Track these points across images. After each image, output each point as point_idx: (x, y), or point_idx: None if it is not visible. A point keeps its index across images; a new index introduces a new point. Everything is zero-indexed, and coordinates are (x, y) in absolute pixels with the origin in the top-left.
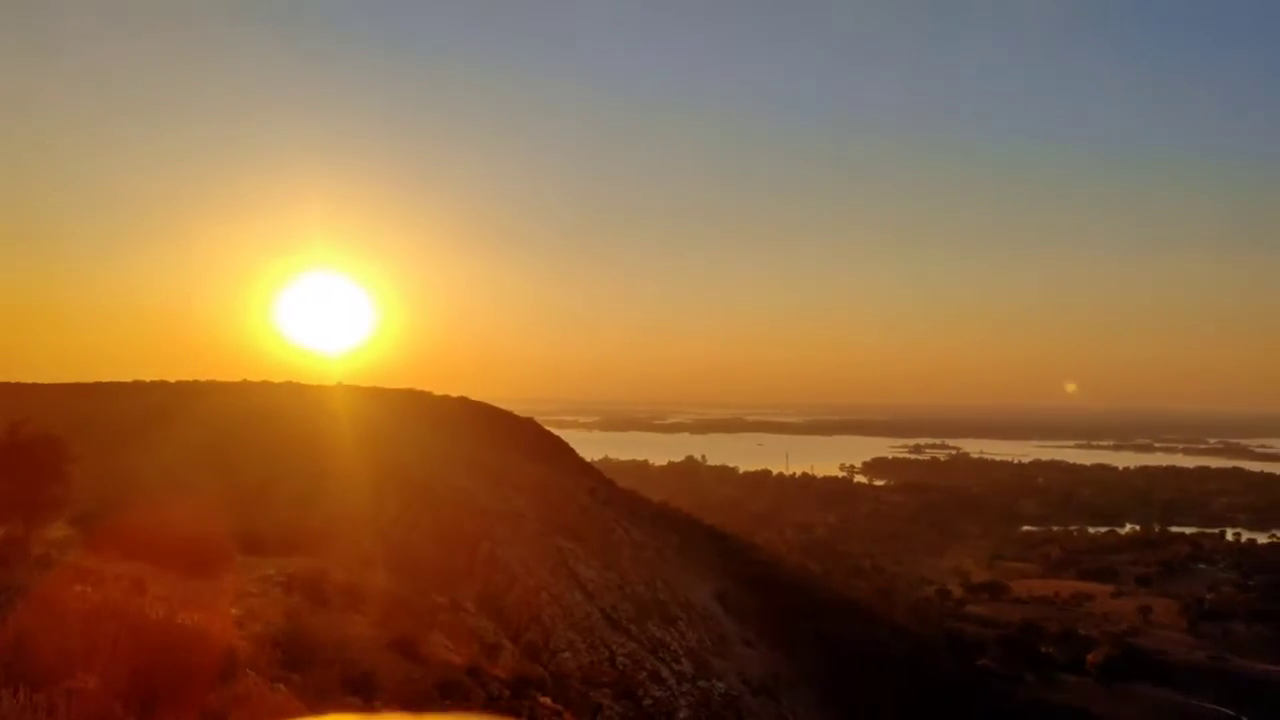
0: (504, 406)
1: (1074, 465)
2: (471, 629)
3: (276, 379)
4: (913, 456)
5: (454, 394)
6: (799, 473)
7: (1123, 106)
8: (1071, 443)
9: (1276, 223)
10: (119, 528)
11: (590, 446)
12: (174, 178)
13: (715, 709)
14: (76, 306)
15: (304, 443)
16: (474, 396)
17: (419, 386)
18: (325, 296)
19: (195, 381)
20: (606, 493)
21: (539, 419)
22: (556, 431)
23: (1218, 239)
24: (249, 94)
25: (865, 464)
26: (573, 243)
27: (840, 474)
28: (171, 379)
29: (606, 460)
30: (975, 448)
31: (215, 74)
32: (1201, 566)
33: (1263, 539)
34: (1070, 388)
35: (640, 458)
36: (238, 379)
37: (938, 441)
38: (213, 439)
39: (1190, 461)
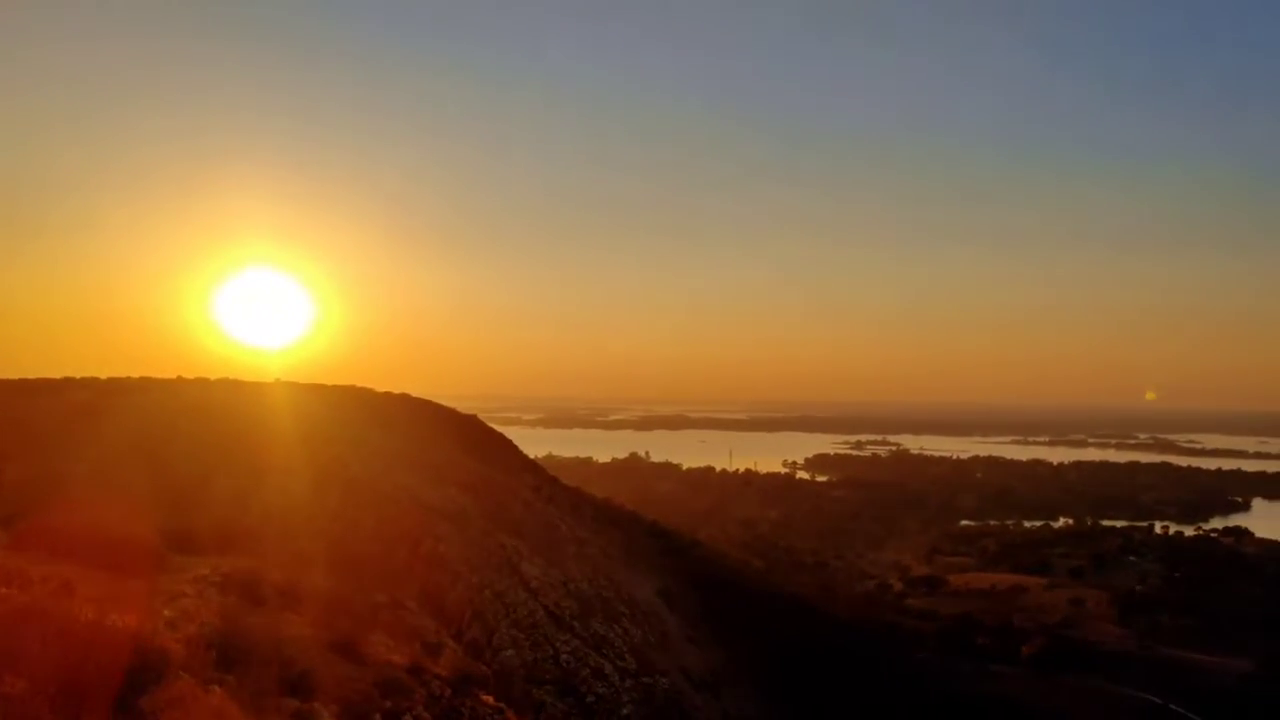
0: (447, 404)
1: (1010, 461)
2: (413, 627)
3: (213, 375)
4: (854, 453)
5: (396, 391)
6: (742, 469)
7: (1042, 103)
8: (1008, 439)
9: (1203, 222)
10: (46, 528)
11: (534, 443)
12: (104, 168)
13: (658, 705)
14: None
15: (241, 440)
16: (416, 393)
17: (360, 383)
18: (264, 291)
19: (127, 378)
20: (550, 490)
21: (482, 416)
22: (500, 429)
23: (1146, 237)
24: (185, 82)
25: (807, 460)
26: (516, 241)
27: (783, 470)
28: (103, 376)
29: (550, 457)
30: (915, 444)
31: (149, 61)
32: (1131, 559)
33: (1189, 531)
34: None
35: (584, 454)
36: (172, 376)
37: (879, 438)
38: (145, 437)
39: (1121, 457)
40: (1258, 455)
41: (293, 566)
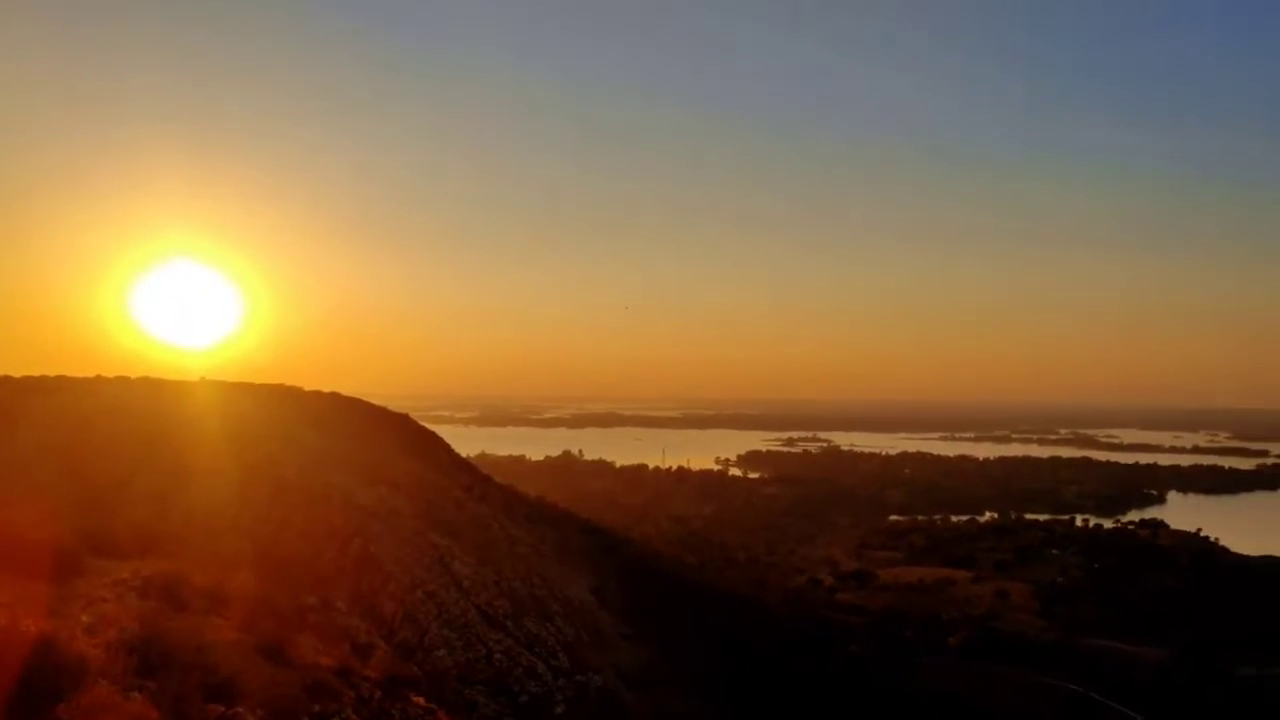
0: (379, 402)
1: (938, 457)
2: (343, 629)
3: (133, 374)
4: (786, 449)
5: (326, 389)
6: (675, 467)
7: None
8: (936, 435)
9: (1120, 222)
10: None
11: (467, 442)
12: (13, 161)
13: (592, 702)
14: None
15: (163, 440)
16: (348, 392)
17: (292, 382)
18: (187, 287)
19: (42, 377)
20: (483, 488)
21: (415, 415)
22: (433, 427)
23: (1067, 238)
24: (98, 70)
25: (740, 457)
26: (449, 238)
27: (716, 467)
28: (16, 374)
29: (483, 455)
30: (846, 440)
31: (56, 47)
32: (1054, 552)
33: (1108, 524)
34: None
35: (518, 453)
36: (90, 374)
37: (810, 435)
38: (60, 437)
39: (1044, 452)
40: (1172, 450)
41: (217, 569)
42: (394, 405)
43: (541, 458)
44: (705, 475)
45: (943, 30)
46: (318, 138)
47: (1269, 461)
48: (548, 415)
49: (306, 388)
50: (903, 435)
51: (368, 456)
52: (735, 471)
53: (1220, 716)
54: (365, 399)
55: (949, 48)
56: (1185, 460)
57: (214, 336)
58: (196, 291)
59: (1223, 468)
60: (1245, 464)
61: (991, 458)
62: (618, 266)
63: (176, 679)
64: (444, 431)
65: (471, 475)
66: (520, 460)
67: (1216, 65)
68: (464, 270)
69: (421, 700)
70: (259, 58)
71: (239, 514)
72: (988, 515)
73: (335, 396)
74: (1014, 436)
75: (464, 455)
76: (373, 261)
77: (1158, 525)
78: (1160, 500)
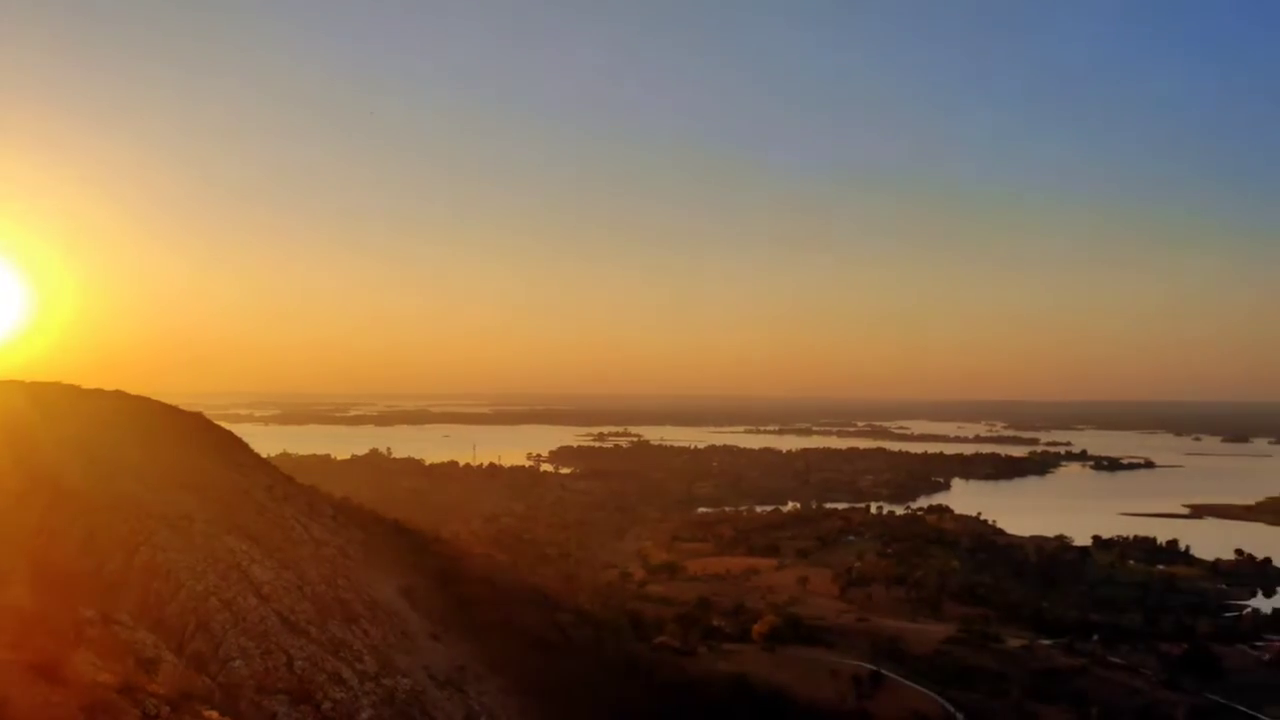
0: (172, 401)
1: (744, 449)
2: (126, 643)
3: None
4: (597, 444)
5: (111, 388)
6: (486, 463)
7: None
8: (742, 428)
9: (911, 226)
10: None
11: (268, 441)
12: None
13: (399, 706)
14: None
15: None
16: (139, 391)
17: (92, 381)
18: None
19: None
20: (285, 489)
21: (211, 413)
22: (230, 426)
23: (867, 240)
24: None
25: (551, 453)
26: (250, 233)
27: (527, 463)
28: None
29: (285, 455)
30: (656, 435)
31: None
32: (850, 538)
33: (900, 511)
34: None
35: (322, 451)
36: None
37: (620, 429)
38: None
39: (842, 443)
40: (957, 439)
41: None
42: (188, 404)
43: (348, 456)
44: (517, 471)
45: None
46: (128, 123)
47: (1039, 449)
48: (354, 413)
49: (97, 387)
50: (711, 429)
51: (158, 459)
52: (547, 467)
53: (993, 683)
54: (157, 398)
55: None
56: (968, 449)
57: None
58: None
59: (1000, 455)
60: (1019, 451)
61: (794, 450)
62: (424, 265)
63: None
64: (242, 431)
65: (272, 476)
66: (325, 459)
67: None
68: (270, 268)
69: (215, 714)
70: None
71: (10, 526)
72: (790, 505)
73: (121, 395)
74: (815, 429)
75: (264, 455)
76: (173, 259)
77: (943, 510)
78: (946, 487)
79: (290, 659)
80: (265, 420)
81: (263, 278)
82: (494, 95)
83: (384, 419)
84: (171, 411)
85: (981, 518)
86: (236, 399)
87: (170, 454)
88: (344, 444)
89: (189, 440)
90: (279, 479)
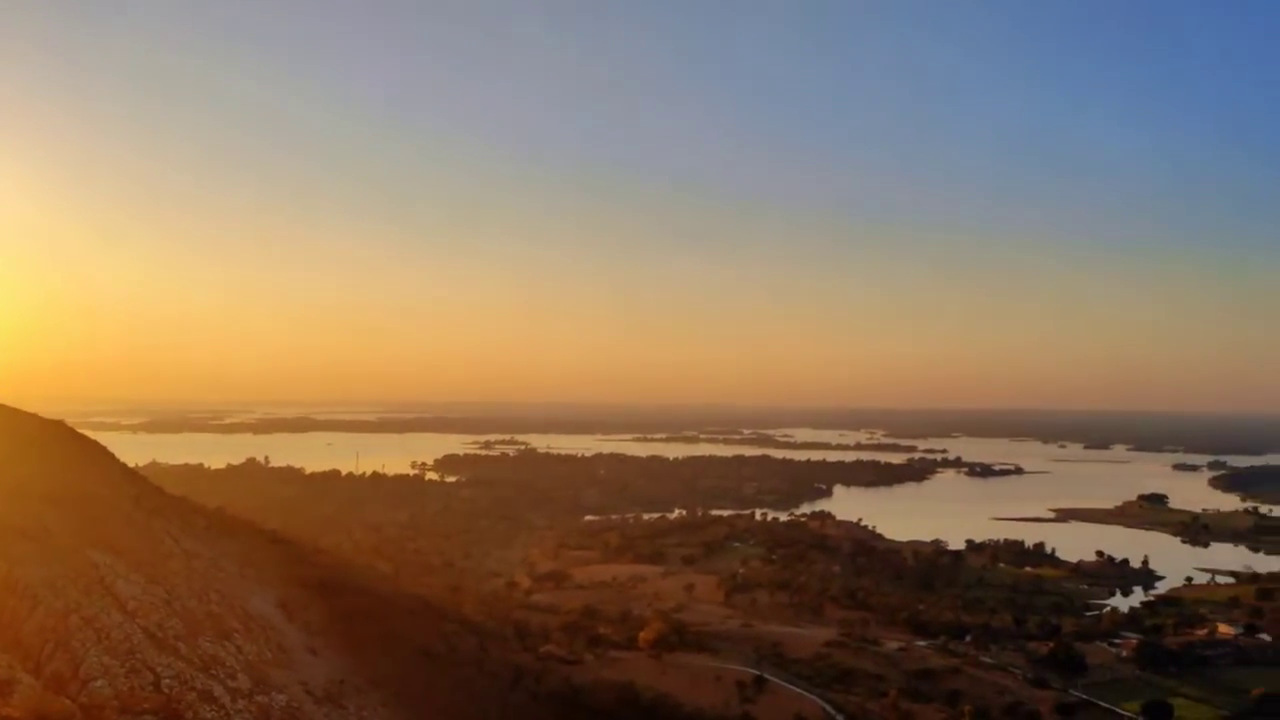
0: (30, 408)
1: (631, 457)
2: None
3: None
4: (483, 452)
5: None
6: (369, 472)
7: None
8: (630, 436)
9: (765, 232)
10: None
11: (136, 450)
12: None
13: None
14: None
15: None
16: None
17: None
18: None
19: None
20: (154, 500)
21: (74, 421)
22: (95, 435)
23: (737, 246)
24: None
25: (437, 461)
26: (123, 235)
27: (412, 471)
28: None
29: (155, 465)
30: (543, 443)
31: None
32: (736, 545)
33: (784, 517)
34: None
35: (195, 461)
36: None
37: (507, 438)
38: None
39: (729, 451)
40: (839, 446)
41: None
42: (50, 412)
43: (223, 465)
44: (401, 480)
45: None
46: None
47: (917, 456)
48: (230, 420)
49: None
50: (598, 437)
51: (14, 469)
52: (432, 475)
53: (871, 684)
54: (13, 405)
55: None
56: (849, 456)
57: None
58: None
59: (880, 462)
60: (898, 458)
61: (681, 457)
62: (308, 265)
63: None
64: (110, 439)
65: (140, 486)
66: (198, 469)
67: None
68: (131, 269)
69: None
70: None
71: None
72: (677, 512)
73: None
74: (702, 437)
75: (132, 465)
76: (35, 257)
77: (826, 516)
78: (828, 493)
79: (158, 677)
80: (134, 428)
81: (132, 280)
82: (379, 110)
83: (263, 426)
84: (30, 419)
85: (862, 523)
86: (103, 406)
87: (28, 464)
88: (219, 453)
89: (49, 450)
90: (148, 490)
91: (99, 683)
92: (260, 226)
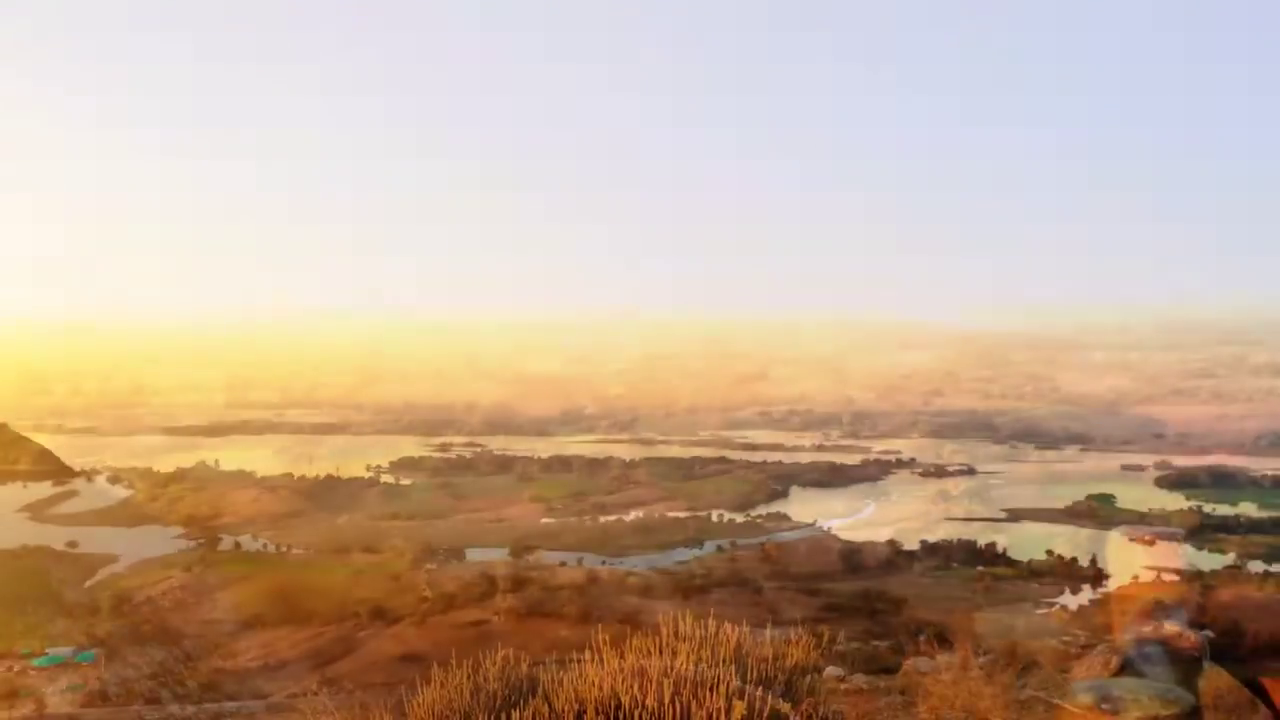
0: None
1: (590, 459)
2: None
3: None
4: (439, 455)
5: None
6: (323, 474)
7: None
8: (591, 437)
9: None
10: None
11: (83, 453)
12: None
13: None
14: None
15: None
16: None
17: None
18: None
19: None
20: None
21: (18, 426)
22: (38, 437)
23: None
24: None
25: (392, 464)
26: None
27: (366, 474)
28: None
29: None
30: (500, 444)
31: None
32: (694, 550)
33: (740, 519)
34: None
35: (143, 465)
36: None
37: (465, 439)
38: None
39: (685, 453)
40: (794, 448)
41: None
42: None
43: (172, 469)
44: (354, 482)
45: None
46: None
47: (872, 457)
48: (183, 423)
49: None
50: (560, 439)
51: None
52: (388, 479)
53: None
54: None
55: None
56: (805, 458)
57: None
58: None
59: (835, 463)
60: (853, 459)
61: (638, 459)
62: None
63: None
64: (54, 443)
65: None
66: (146, 472)
67: None
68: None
69: None
70: None
71: None
72: (633, 515)
73: None
74: (659, 439)
75: (77, 468)
76: None
77: (782, 518)
78: (784, 495)
79: None
80: (82, 430)
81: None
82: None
83: (217, 430)
84: None
85: (817, 524)
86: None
87: None
88: (169, 456)
89: None
90: None
91: None
92: (206, 214)
